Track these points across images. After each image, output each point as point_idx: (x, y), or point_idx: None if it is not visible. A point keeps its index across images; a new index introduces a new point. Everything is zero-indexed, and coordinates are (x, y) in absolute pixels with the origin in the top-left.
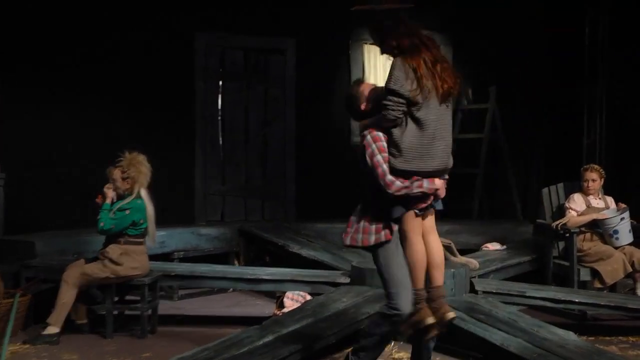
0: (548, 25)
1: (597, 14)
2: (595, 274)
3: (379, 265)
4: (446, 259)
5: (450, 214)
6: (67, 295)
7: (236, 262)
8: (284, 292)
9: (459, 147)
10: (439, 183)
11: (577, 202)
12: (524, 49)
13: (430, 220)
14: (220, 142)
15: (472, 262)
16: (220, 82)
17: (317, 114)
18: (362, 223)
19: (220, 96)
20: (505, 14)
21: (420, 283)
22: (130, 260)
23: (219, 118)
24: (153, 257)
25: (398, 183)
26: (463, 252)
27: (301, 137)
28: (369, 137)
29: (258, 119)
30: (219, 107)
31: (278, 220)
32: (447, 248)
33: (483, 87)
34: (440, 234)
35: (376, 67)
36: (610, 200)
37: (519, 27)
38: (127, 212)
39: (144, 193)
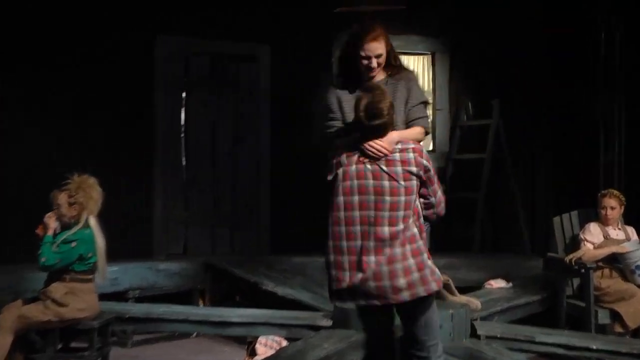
0: (554, 32)
1: (610, 17)
2: (616, 316)
3: (430, 314)
4: (443, 298)
5: (447, 245)
6: (1, 342)
7: (201, 302)
8: (256, 337)
9: (458, 168)
10: None
11: (593, 233)
12: (530, 58)
13: None
14: (184, 162)
15: (473, 301)
16: (184, 94)
17: (295, 131)
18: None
19: (183, 109)
20: (508, 21)
21: None
22: (76, 301)
23: (182, 134)
24: (103, 297)
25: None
26: (462, 290)
27: (277, 158)
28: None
29: (227, 136)
30: (182, 121)
31: (250, 253)
32: (444, 286)
33: (484, 100)
34: (437, 269)
35: None
36: (631, 230)
37: (523, 35)
38: (74, 244)
39: (93, 222)
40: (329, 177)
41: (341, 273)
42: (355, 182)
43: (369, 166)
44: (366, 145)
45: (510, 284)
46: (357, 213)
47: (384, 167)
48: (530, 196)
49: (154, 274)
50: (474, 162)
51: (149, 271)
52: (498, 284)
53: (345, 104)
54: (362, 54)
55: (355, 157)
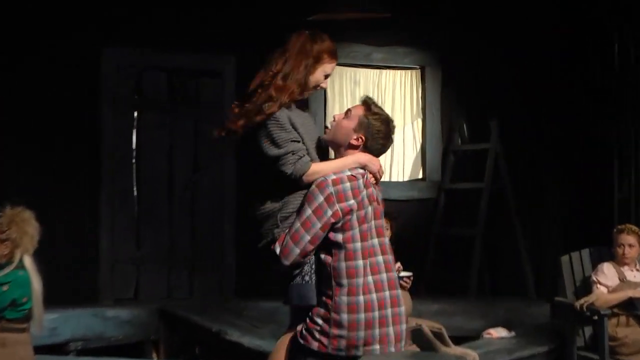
0: (562, 44)
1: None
2: None
3: None
4: (435, 349)
5: (440, 288)
6: None
7: (154, 355)
8: None
9: (451, 200)
10: None
11: (607, 275)
12: (534, 73)
13: None
14: (135, 192)
15: (470, 353)
16: (136, 114)
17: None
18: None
19: (135, 132)
20: (509, 30)
21: None
22: (8, 354)
23: (134, 161)
24: (40, 349)
25: None
26: (458, 340)
27: (244, 188)
28: None
29: (187, 162)
30: (134, 146)
31: (212, 298)
32: (437, 335)
33: (481, 121)
34: (429, 316)
35: (342, 94)
36: None
37: (527, 46)
38: (5, 287)
39: (28, 262)
40: (346, 207)
41: (386, 332)
42: (373, 222)
43: (379, 194)
44: (379, 166)
45: (513, 333)
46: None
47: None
48: (534, 232)
49: (101, 323)
50: (469, 192)
51: (95, 319)
52: (498, 333)
53: (296, 120)
54: (325, 72)
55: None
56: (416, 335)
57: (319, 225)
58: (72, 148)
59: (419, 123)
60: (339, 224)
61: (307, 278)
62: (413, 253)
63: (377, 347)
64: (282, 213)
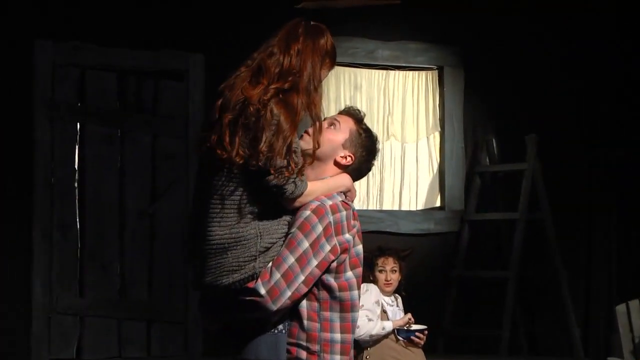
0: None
1: None
2: None
3: None
4: None
5: (464, 345)
6: None
7: None
8: None
9: (477, 234)
10: None
11: None
12: (581, 74)
13: None
14: (78, 226)
15: None
16: (78, 126)
17: None
18: None
19: (77, 148)
20: (550, 18)
21: None
22: None
23: (76, 185)
24: None
25: None
26: None
27: None
28: None
29: (142, 186)
30: (76, 167)
31: (174, 356)
32: None
33: (515, 135)
34: None
35: (339, 102)
36: None
37: (573, 39)
38: None
39: None
40: (344, 242)
41: None
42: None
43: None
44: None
45: None
46: None
47: None
48: (582, 276)
49: None
50: (500, 224)
51: None
52: None
53: None
54: (328, 72)
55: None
56: None
57: (315, 262)
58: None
59: (436, 138)
60: (333, 264)
61: (280, 327)
62: (429, 301)
63: None
64: (263, 243)
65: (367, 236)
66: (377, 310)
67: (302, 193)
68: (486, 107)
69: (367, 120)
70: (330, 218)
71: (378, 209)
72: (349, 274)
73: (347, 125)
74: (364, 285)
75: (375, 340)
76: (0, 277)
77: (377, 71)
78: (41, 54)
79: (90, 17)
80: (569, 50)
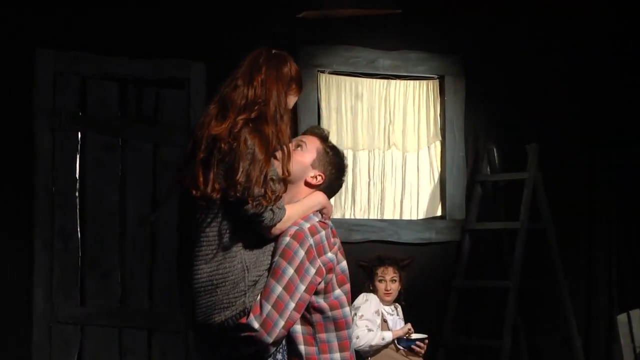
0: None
1: None
2: None
3: None
4: None
5: (464, 356)
6: None
7: None
8: None
9: (478, 243)
10: None
11: None
12: (583, 82)
13: None
14: (79, 235)
15: None
16: (80, 134)
17: None
18: None
19: (78, 158)
20: (551, 27)
21: None
22: None
23: (77, 194)
24: None
25: None
26: None
27: None
28: None
29: (143, 195)
30: (77, 175)
31: None
32: None
33: (516, 144)
34: None
35: (340, 111)
36: None
37: (574, 48)
38: None
39: None
40: (328, 261)
41: None
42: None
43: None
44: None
45: None
46: None
47: None
48: (583, 285)
49: None
50: (501, 234)
51: None
52: None
53: None
54: (295, 98)
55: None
56: None
57: (302, 287)
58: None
59: (437, 147)
60: (321, 285)
61: (279, 357)
62: (429, 310)
63: None
64: (251, 277)
65: (368, 245)
66: (377, 320)
67: (280, 220)
68: (487, 116)
69: (368, 130)
70: (311, 240)
71: (379, 218)
72: (338, 292)
73: (313, 145)
74: (363, 295)
75: (376, 350)
76: (1, 286)
77: (378, 80)
78: (42, 62)
79: (91, 26)
80: (570, 59)
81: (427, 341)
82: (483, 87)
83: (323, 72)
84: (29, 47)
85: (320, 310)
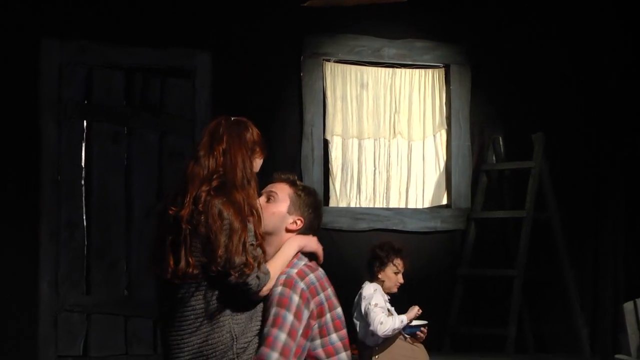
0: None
1: None
2: None
3: None
4: None
5: (469, 343)
6: None
7: None
8: None
9: (483, 232)
10: None
11: None
12: (590, 72)
13: None
14: (85, 223)
15: None
16: (85, 124)
17: None
18: None
19: (84, 147)
20: (557, 16)
21: None
22: None
23: (82, 183)
24: None
25: None
26: None
27: None
28: None
29: (149, 184)
30: (83, 164)
31: None
32: None
33: (522, 133)
34: None
35: (345, 100)
36: None
37: (581, 37)
38: None
39: None
40: (319, 303)
41: None
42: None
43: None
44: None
45: None
46: None
47: None
48: (589, 273)
49: None
50: (506, 223)
51: None
52: None
53: None
54: (261, 160)
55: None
56: None
57: (301, 332)
58: (3, 167)
59: (442, 136)
60: (315, 329)
61: None
62: (435, 299)
63: None
64: (239, 344)
65: (373, 234)
66: (388, 306)
67: (266, 283)
68: (493, 105)
69: (373, 118)
70: (302, 285)
71: (384, 207)
72: (334, 337)
73: (284, 193)
74: (370, 285)
75: (384, 344)
76: (8, 275)
77: (383, 69)
78: (48, 52)
79: (96, 16)
80: (575, 48)
81: (426, 327)
82: (489, 76)
83: (329, 60)
84: (34, 37)
85: (316, 358)
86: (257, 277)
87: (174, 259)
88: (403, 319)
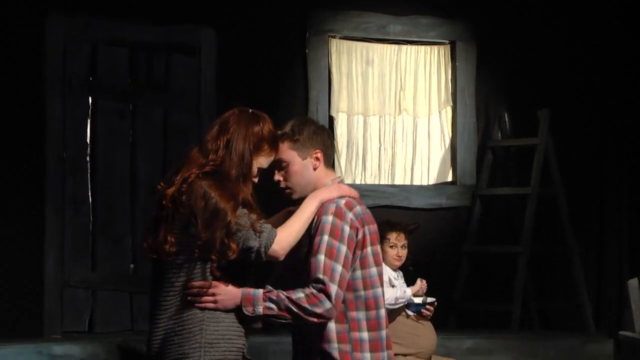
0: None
1: None
2: None
3: None
4: None
5: (473, 320)
6: None
7: None
8: None
9: (488, 209)
10: None
11: None
12: (597, 48)
13: None
14: (90, 200)
15: None
16: (90, 100)
17: None
18: None
19: (89, 124)
20: None
21: None
22: None
23: (87, 160)
24: None
25: None
26: None
27: None
28: None
29: (154, 160)
30: (88, 141)
31: None
32: None
33: (528, 109)
34: (460, 356)
35: (351, 77)
36: None
37: (589, 13)
38: None
39: None
40: (365, 234)
41: None
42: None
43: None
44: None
45: None
46: None
47: None
48: (594, 250)
49: None
50: (512, 199)
51: (39, 358)
52: None
53: None
54: (260, 165)
55: None
56: None
57: (351, 257)
58: (8, 144)
59: (448, 112)
60: (357, 261)
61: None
62: (440, 275)
63: None
64: (209, 330)
65: (378, 211)
66: (393, 280)
67: (271, 241)
68: (499, 81)
69: (379, 95)
70: (350, 215)
71: (390, 183)
72: (373, 270)
73: (286, 150)
74: None
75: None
76: (13, 252)
77: (389, 46)
78: (53, 29)
79: None
80: (582, 24)
81: (436, 304)
82: (495, 53)
83: (334, 37)
84: (39, 13)
85: (353, 289)
86: (258, 239)
87: (153, 235)
88: (406, 290)
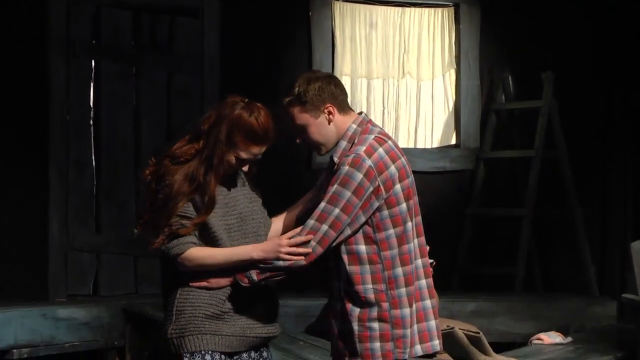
0: None
1: None
2: None
3: None
4: (472, 358)
5: (477, 283)
6: None
7: None
8: None
9: (492, 172)
10: None
11: None
12: (602, 9)
13: None
14: (93, 163)
15: None
16: (93, 63)
17: None
18: None
19: (92, 87)
20: None
21: None
22: None
23: (91, 123)
24: None
25: None
26: (499, 347)
27: None
28: None
29: (158, 125)
30: (91, 104)
31: None
32: (473, 341)
33: (532, 72)
34: (464, 318)
35: (354, 40)
36: None
37: None
38: None
39: None
40: (387, 177)
41: (426, 328)
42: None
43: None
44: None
45: (569, 339)
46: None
47: None
48: (598, 213)
49: (51, 325)
50: (515, 162)
51: (44, 321)
52: (551, 338)
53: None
54: (240, 156)
55: None
56: (448, 341)
57: (359, 205)
58: (12, 108)
59: (451, 75)
60: (383, 200)
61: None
62: (443, 238)
63: (419, 347)
64: (181, 299)
65: None
66: None
67: (179, 251)
68: (502, 44)
69: (382, 58)
70: (368, 162)
71: None
72: (403, 207)
73: (298, 115)
74: None
75: None
76: (18, 216)
77: (392, 8)
78: None
79: None
80: None
81: (434, 264)
82: (498, 15)
83: (337, 0)
84: None
85: (383, 227)
86: (175, 239)
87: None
88: None
